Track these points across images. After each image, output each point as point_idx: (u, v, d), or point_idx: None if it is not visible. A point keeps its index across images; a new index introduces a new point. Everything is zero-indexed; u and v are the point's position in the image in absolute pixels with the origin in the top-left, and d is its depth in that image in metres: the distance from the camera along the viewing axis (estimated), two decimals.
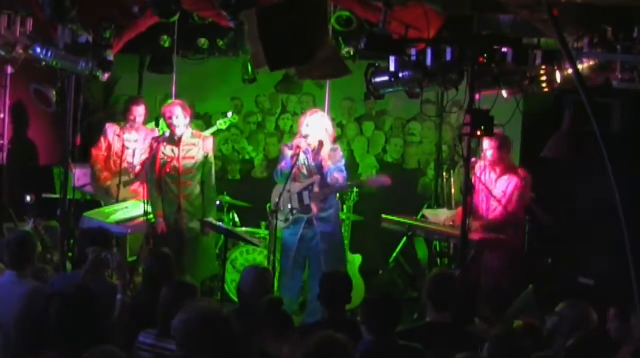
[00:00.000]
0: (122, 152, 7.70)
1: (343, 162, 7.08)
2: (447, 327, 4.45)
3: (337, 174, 6.92)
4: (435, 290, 4.57)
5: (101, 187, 7.76)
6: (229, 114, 8.42)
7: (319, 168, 6.96)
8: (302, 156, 6.95)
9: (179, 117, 7.11)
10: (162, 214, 7.17)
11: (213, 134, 8.03)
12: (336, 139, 7.46)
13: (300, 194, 6.98)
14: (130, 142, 7.72)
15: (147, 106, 8.01)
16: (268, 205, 7.38)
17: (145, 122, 7.95)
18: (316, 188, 6.96)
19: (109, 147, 7.80)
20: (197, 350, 3.54)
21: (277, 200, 7.02)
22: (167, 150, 7.16)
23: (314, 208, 6.96)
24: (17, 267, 4.71)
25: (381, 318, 4.16)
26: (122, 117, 7.87)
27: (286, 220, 7.06)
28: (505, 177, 6.73)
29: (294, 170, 6.92)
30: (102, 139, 7.82)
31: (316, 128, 6.94)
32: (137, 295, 5.13)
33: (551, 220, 6.98)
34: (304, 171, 7.01)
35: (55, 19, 6.16)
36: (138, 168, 7.67)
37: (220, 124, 8.30)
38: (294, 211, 6.98)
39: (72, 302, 3.76)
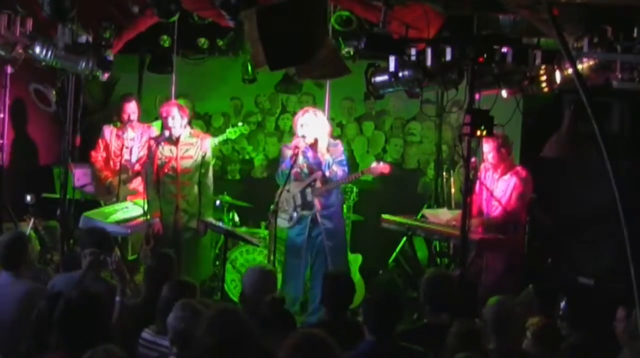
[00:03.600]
0: (121, 151, 7.71)
1: (344, 157, 7.09)
2: (445, 328, 4.44)
3: (335, 167, 6.96)
4: (432, 292, 4.57)
5: (103, 186, 7.76)
6: (240, 124, 8.37)
7: (319, 164, 6.98)
8: (301, 156, 6.97)
9: (176, 117, 7.10)
10: (160, 215, 7.15)
11: (221, 142, 8.02)
12: (333, 135, 7.46)
13: (303, 192, 7.00)
14: (127, 140, 7.74)
15: (140, 103, 8.04)
16: (272, 206, 7.38)
17: (141, 120, 7.99)
18: (318, 184, 6.98)
19: (107, 147, 7.85)
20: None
21: (277, 200, 7.03)
22: (165, 150, 7.15)
23: (317, 204, 6.98)
24: (10, 267, 4.70)
25: (381, 319, 4.15)
26: (118, 118, 7.88)
27: (290, 219, 7.07)
28: (506, 178, 6.73)
29: (296, 169, 6.96)
30: (100, 141, 7.87)
31: (311, 127, 6.95)
32: (138, 294, 5.13)
33: (550, 221, 6.97)
34: (305, 170, 7.04)
35: (55, 19, 6.16)
36: (137, 166, 7.68)
37: (230, 132, 8.23)
38: (298, 209, 7.00)
39: (74, 304, 3.76)
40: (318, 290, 6.92)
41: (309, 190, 7.01)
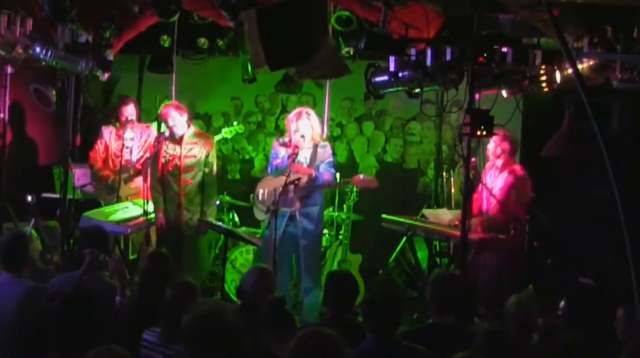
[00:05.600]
0: (121, 151, 7.72)
1: (332, 159, 7.14)
2: (451, 328, 4.43)
3: (324, 168, 6.98)
4: (439, 292, 4.55)
5: (104, 185, 7.75)
6: (235, 123, 8.41)
7: (310, 164, 7.00)
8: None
9: (175, 117, 7.21)
10: (163, 211, 7.22)
11: (218, 142, 8.03)
12: (326, 137, 7.50)
13: (286, 188, 6.95)
14: (127, 140, 7.75)
15: (140, 103, 8.04)
16: (252, 196, 7.45)
17: (141, 120, 7.99)
18: (304, 180, 6.95)
19: (106, 148, 7.84)
20: (205, 349, 3.51)
21: (261, 191, 7.08)
22: (169, 148, 7.24)
23: (296, 203, 6.97)
24: (11, 268, 4.69)
25: (381, 318, 4.14)
26: (116, 120, 7.88)
27: (267, 211, 7.07)
28: (503, 174, 6.77)
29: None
30: (98, 141, 7.85)
31: (307, 130, 6.97)
32: (135, 295, 5.13)
33: (551, 222, 6.98)
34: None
35: (55, 19, 6.16)
36: (138, 165, 7.69)
37: (226, 132, 8.30)
38: (277, 204, 6.97)
39: (71, 302, 3.75)
40: (304, 289, 7.04)
41: (291, 186, 6.97)
